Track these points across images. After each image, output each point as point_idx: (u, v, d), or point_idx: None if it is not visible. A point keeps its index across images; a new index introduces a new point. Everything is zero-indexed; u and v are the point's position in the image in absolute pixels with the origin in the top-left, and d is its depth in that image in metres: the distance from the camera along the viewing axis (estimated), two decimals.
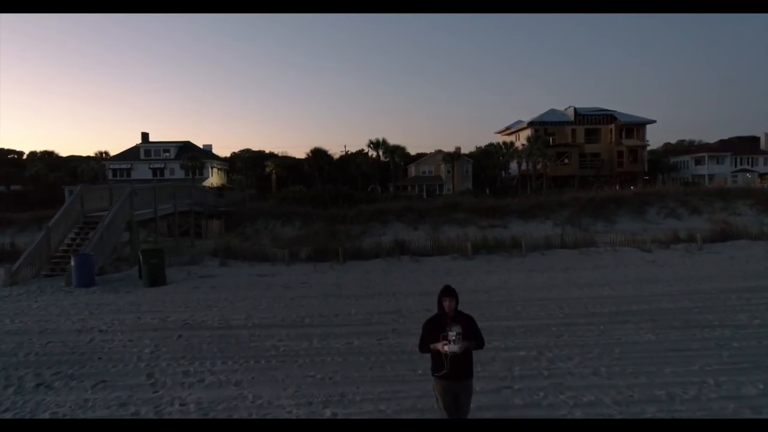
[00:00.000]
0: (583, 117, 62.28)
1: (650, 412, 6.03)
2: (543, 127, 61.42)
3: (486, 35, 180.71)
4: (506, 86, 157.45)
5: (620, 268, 15.76)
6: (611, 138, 61.78)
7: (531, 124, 62.00)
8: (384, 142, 61.60)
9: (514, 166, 63.63)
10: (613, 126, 61.60)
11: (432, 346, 4.70)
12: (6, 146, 74.33)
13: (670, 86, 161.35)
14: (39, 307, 12.44)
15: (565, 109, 64.30)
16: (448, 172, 63.27)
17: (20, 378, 7.68)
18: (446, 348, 4.59)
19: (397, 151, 62.12)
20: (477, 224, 24.78)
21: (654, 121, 62.13)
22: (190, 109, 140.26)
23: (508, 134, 68.56)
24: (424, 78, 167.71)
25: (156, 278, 14.87)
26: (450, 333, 4.62)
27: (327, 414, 6.23)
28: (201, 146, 65.68)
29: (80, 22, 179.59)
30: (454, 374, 4.70)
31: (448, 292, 4.82)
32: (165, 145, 62.73)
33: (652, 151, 71.78)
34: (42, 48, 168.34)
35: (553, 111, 64.73)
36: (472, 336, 4.76)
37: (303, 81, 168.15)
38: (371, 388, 7.01)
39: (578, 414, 6.03)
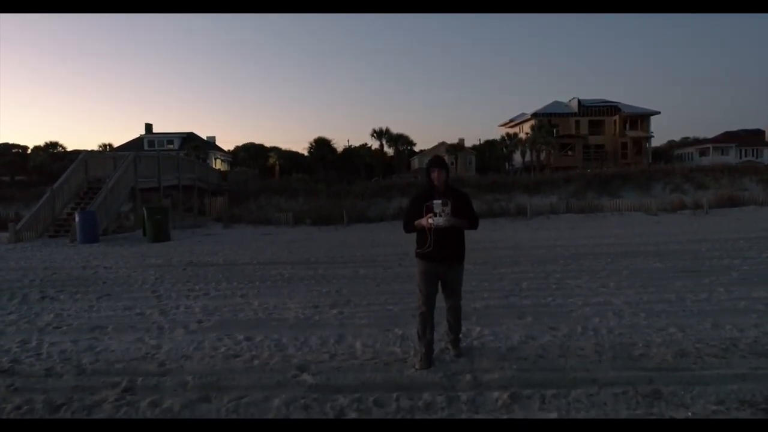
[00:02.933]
0: (587, 108, 62.06)
1: (660, 308, 5.96)
2: (547, 119, 61.13)
3: (488, 30, 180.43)
4: (510, 81, 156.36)
5: (627, 228, 15.67)
6: (615, 129, 61.51)
7: (535, 115, 61.74)
8: (387, 131, 61.52)
9: (517, 158, 63.39)
10: (617, 117, 61.33)
11: (417, 222, 4.08)
12: (10, 141, 73.89)
13: (673, 84, 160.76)
14: (43, 255, 12.45)
15: (569, 101, 64.10)
16: (452, 163, 63.09)
17: (25, 294, 7.65)
18: (430, 221, 3.94)
19: (400, 140, 61.98)
20: (482, 199, 24.65)
21: (658, 113, 61.88)
22: (193, 105, 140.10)
23: (512, 126, 68.30)
24: (427, 74, 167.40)
25: (160, 234, 14.88)
26: (435, 203, 3.93)
27: (333, 313, 6.16)
28: (205, 138, 65.74)
29: (81, 20, 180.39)
30: (438, 255, 4.05)
31: (436, 162, 4.15)
32: (169, 136, 62.79)
33: (656, 147, 71.45)
34: (43, 47, 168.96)
35: (557, 103, 64.53)
36: (465, 215, 4.11)
37: (306, 77, 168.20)
38: (377, 297, 6.97)
39: (588, 311, 5.94)
